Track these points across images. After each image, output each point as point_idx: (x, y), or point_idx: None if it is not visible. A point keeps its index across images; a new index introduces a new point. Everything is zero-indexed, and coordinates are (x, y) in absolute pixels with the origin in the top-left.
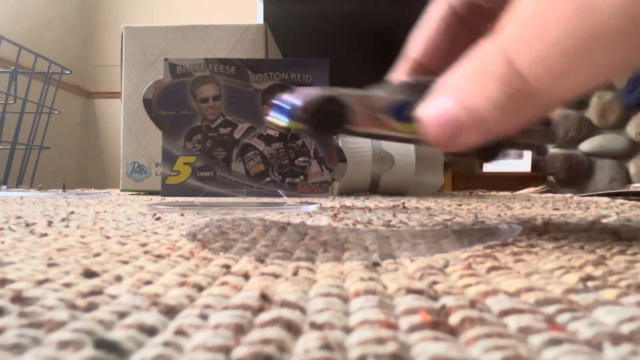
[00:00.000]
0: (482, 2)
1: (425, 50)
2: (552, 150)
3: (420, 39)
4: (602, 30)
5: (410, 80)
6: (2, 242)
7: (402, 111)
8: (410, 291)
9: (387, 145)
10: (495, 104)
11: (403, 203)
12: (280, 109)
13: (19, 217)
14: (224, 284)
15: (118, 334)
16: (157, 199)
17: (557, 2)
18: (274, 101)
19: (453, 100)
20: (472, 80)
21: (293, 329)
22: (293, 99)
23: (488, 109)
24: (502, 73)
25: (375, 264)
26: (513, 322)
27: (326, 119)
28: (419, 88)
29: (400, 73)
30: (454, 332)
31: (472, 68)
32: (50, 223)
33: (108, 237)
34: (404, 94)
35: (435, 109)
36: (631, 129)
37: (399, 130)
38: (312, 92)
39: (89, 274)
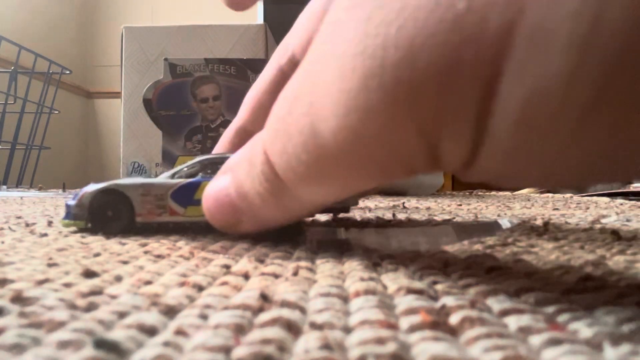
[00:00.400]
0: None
1: (251, 116)
2: None
3: (248, 104)
4: (326, 151)
5: (202, 158)
6: (2, 242)
7: (187, 195)
8: (410, 291)
9: None
10: (263, 197)
11: (403, 203)
12: (66, 212)
13: (19, 217)
14: (224, 284)
15: (118, 334)
16: None
17: (295, 114)
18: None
19: (230, 180)
20: (244, 169)
21: (293, 329)
22: (74, 198)
23: (259, 201)
24: (263, 170)
25: (376, 264)
26: (513, 322)
27: (104, 212)
28: (212, 166)
29: (223, 144)
30: (454, 332)
31: (245, 155)
32: (50, 223)
33: (108, 237)
34: (196, 174)
35: (215, 188)
36: None
37: (187, 215)
38: (90, 187)
39: (89, 274)
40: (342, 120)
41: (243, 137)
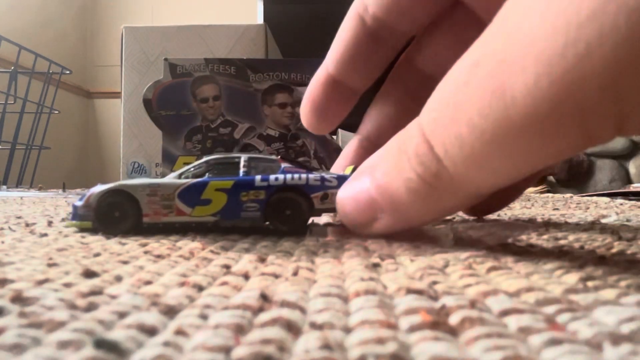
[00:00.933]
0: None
1: (339, 61)
2: None
3: (335, 49)
4: (515, 115)
5: (209, 158)
6: (2, 242)
7: (194, 195)
8: (410, 291)
9: None
10: (412, 187)
11: None
12: (73, 213)
13: (19, 217)
14: (224, 284)
15: (118, 334)
16: None
17: (474, 81)
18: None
19: (370, 179)
20: (390, 160)
21: (293, 329)
22: (80, 200)
23: (405, 193)
24: (419, 154)
25: (375, 264)
26: (513, 322)
27: (112, 212)
28: (218, 166)
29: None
30: (454, 332)
31: (392, 147)
32: (50, 223)
33: (108, 237)
34: (203, 174)
35: (352, 189)
36: None
37: (193, 215)
38: (97, 188)
39: (89, 274)
40: (548, 70)
41: (334, 86)
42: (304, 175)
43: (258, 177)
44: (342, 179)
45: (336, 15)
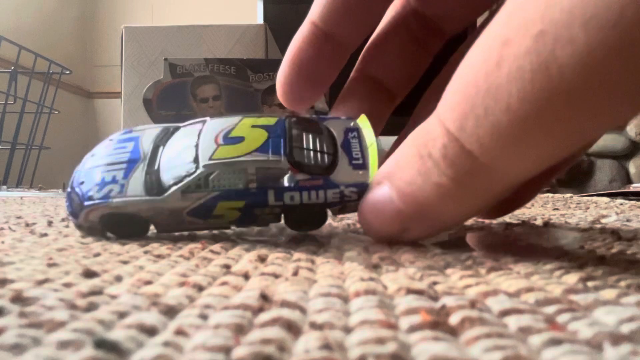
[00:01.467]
0: None
1: (329, 10)
2: None
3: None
4: (564, 90)
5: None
6: (2, 242)
7: (204, 212)
8: (410, 291)
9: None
10: (443, 192)
11: None
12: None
13: (19, 217)
14: (224, 284)
15: (118, 334)
16: None
17: (508, 61)
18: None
19: (391, 190)
20: (412, 167)
21: (293, 329)
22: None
23: (437, 199)
24: (448, 156)
25: (376, 265)
26: (513, 322)
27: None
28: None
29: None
30: (454, 332)
31: (411, 151)
32: (50, 223)
33: (108, 237)
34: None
35: (374, 203)
36: (631, 129)
37: (205, 225)
38: (96, 206)
39: (89, 274)
40: (601, 37)
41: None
42: (321, 193)
43: (271, 196)
44: (362, 190)
45: None
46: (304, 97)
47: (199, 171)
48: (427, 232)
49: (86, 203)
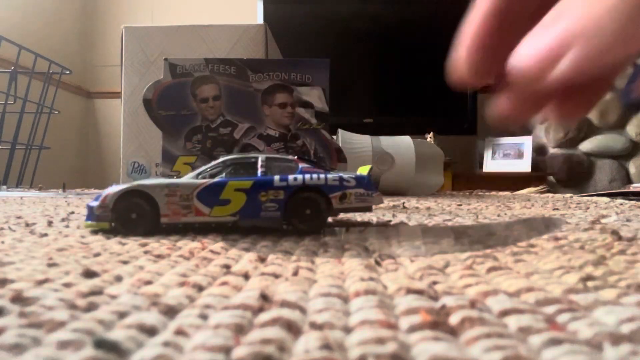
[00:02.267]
0: None
1: None
2: (552, 150)
3: None
4: None
5: (226, 158)
6: (2, 242)
7: (213, 195)
8: (410, 291)
9: (387, 145)
10: (618, 9)
11: (403, 203)
12: (88, 214)
13: (19, 217)
14: (224, 284)
15: (118, 334)
16: None
17: None
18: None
19: (559, 25)
20: None
21: (293, 329)
22: (96, 200)
23: (608, 17)
24: None
25: (376, 265)
26: (513, 322)
27: (129, 212)
28: (235, 166)
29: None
30: (454, 332)
31: None
32: (50, 223)
33: (108, 237)
34: (220, 174)
35: (534, 42)
36: (631, 129)
37: (212, 215)
38: (114, 188)
39: (89, 274)
40: None
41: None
42: (322, 176)
43: (277, 177)
44: (360, 180)
45: (336, 15)
46: (486, 72)
47: None
48: (584, 59)
49: None
